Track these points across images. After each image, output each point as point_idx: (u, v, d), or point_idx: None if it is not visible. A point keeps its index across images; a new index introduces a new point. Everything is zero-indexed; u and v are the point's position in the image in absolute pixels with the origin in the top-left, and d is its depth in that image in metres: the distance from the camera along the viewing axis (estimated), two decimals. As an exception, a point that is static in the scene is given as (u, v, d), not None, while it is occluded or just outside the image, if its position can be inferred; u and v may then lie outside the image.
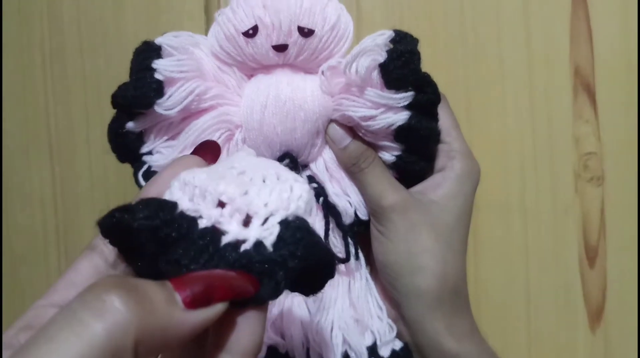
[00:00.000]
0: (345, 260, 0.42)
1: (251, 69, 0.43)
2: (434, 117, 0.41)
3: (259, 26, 0.40)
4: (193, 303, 0.23)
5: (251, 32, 0.40)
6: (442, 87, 0.53)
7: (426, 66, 0.53)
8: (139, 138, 0.41)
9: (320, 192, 0.43)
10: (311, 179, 0.44)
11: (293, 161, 0.43)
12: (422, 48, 0.54)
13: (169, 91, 0.39)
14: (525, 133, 0.55)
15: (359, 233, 0.44)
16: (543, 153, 0.55)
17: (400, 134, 0.40)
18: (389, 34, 0.41)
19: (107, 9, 0.53)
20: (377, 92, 0.39)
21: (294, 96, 0.42)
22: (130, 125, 0.40)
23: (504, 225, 0.55)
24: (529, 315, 0.55)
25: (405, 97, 0.39)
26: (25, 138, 0.53)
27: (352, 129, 0.43)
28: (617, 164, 0.55)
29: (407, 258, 0.40)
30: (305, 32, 0.41)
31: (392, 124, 0.40)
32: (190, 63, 0.40)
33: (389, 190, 0.41)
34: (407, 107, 0.40)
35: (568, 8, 0.56)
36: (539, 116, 0.55)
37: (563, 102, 0.56)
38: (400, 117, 0.39)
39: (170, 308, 0.22)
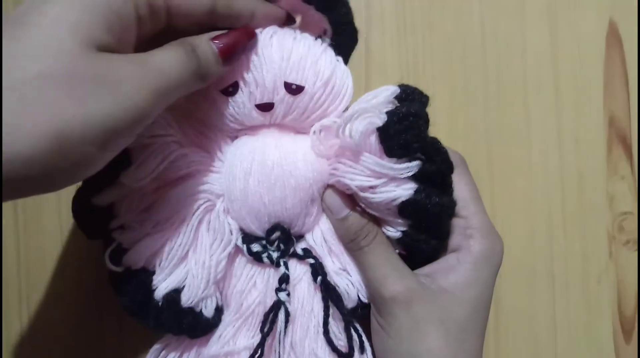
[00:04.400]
0: (349, 356, 0.37)
1: (234, 130, 0.38)
2: (446, 189, 0.35)
3: (240, 83, 0.35)
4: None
5: (231, 90, 0.35)
6: (460, 136, 0.47)
7: (443, 112, 0.49)
8: (108, 212, 0.36)
9: (317, 269, 0.38)
10: (307, 253, 0.39)
11: (285, 233, 0.38)
12: (439, 91, 0.49)
13: (138, 159, 0.34)
14: (554, 190, 0.49)
15: (363, 316, 0.38)
16: (573, 212, 0.49)
17: (405, 210, 0.34)
18: (392, 90, 0.36)
19: None
20: (375, 160, 0.34)
21: (283, 161, 0.37)
22: (97, 199, 0.35)
23: (529, 293, 0.49)
24: (557, 398, 0.49)
25: (410, 167, 0.34)
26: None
27: (353, 198, 0.37)
28: (657, 227, 0.49)
29: None
30: (294, 89, 0.36)
31: (395, 199, 0.34)
32: (163, 126, 0.35)
33: (392, 277, 0.35)
34: (413, 178, 0.34)
35: (602, 49, 0.50)
36: (569, 170, 0.49)
37: (596, 155, 0.49)
38: (405, 191, 0.34)
39: None
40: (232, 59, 0.34)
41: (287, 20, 0.38)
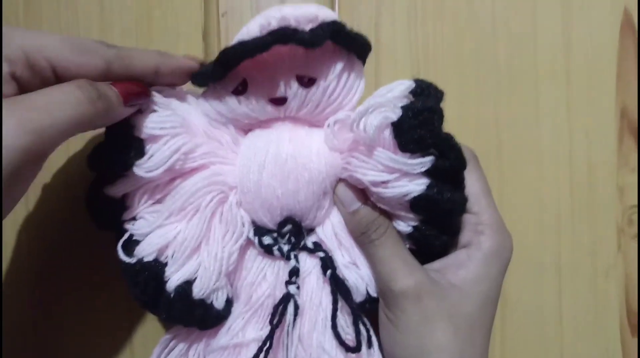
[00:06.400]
0: (356, 350, 0.37)
1: (248, 124, 0.38)
2: (458, 186, 0.35)
3: (248, 80, 0.35)
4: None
5: (240, 89, 0.35)
6: (469, 126, 0.47)
7: (453, 104, 0.48)
8: (121, 203, 0.36)
9: (327, 263, 0.38)
10: (317, 246, 0.39)
11: (296, 226, 0.38)
12: (449, 81, 0.49)
13: (150, 150, 0.34)
14: (563, 182, 0.49)
15: (371, 311, 0.38)
16: (582, 204, 0.49)
17: (417, 205, 0.34)
18: (408, 84, 0.35)
19: (93, 25, 0.45)
20: (388, 155, 0.34)
21: (297, 154, 0.36)
22: (110, 189, 0.35)
23: (536, 287, 0.49)
24: (562, 390, 0.49)
25: (423, 163, 0.33)
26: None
27: (364, 191, 0.37)
28: (667, 221, 0.49)
29: (418, 355, 0.34)
30: (306, 82, 0.35)
31: (407, 194, 0.34)
32: (175, 119, 0.35)
33: (402, 271, 0.35)
34: (426, 174, 0.34)
35: (615, 40, 0.49)
36: (579, 162, 0.49)
37: (607, 147, 0.49)
38: (417, 186, 0.34)
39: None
40: (133, 102, 0.33)
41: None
